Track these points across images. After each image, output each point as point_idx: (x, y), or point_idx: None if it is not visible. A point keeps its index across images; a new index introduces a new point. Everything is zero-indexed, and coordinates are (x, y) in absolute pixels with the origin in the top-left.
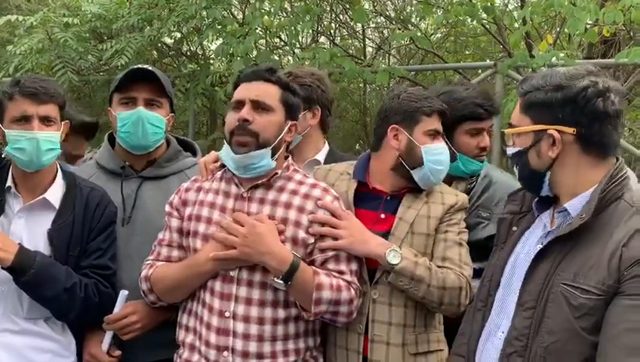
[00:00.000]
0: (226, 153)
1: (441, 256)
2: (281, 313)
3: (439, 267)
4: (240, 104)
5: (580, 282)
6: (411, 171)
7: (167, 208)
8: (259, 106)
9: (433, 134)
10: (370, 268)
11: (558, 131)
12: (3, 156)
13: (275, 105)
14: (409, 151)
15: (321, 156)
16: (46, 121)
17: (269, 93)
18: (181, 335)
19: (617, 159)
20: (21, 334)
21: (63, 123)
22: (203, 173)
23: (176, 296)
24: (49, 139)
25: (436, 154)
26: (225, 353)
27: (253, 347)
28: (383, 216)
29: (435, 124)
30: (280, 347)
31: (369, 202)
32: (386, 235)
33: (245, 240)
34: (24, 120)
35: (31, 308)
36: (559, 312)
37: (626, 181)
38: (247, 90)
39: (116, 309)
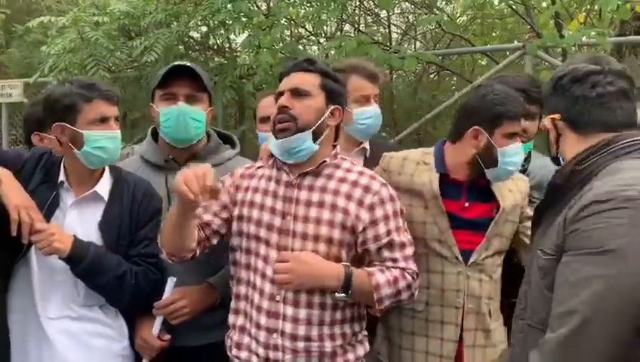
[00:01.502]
0: (272, 141)
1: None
2: (329, 299)
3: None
4: (280, 95)
5: (544, 245)
6: (485, 170)
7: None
8: (297, 93)
9: (511, 135)
10: (461, 249)
11: (553, 119)
12: (53, 153)
13: (314, 91)
14: (486, 152)
15: (367, 144)
16: (116, 120)
17: (308, 80)
18: (232, 318)
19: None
20: (79, 320)
21: None
22: (264, 157)
23: (171, 241)
24: (119, 138)
25: (511, 155)
26: (274, 335)
27: (301, 330)
28: (466, 204)
29: (515, 127)
30: (327, 331)
31: (450, 191)
32: (487, 221)
33: (295, 274)
34: (102, 121)
35: (87, 295)
36: (534, 275)
37: (613, 155)
38: (287, 82)
39: (165, 295)
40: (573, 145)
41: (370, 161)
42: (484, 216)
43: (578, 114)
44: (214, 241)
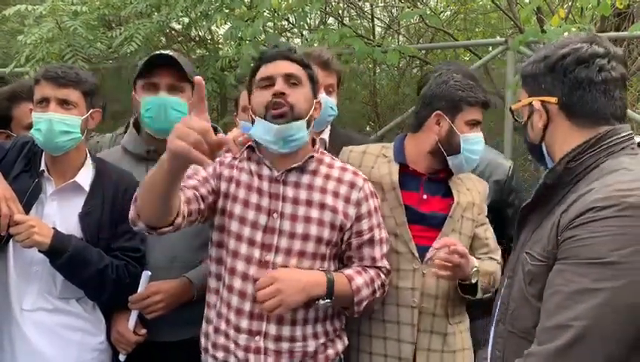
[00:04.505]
0: (261, 128)
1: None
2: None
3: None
4: (270, 81)
5: (533, 249)
6: (447, 157)
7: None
8: (290, 80)
9: (473, 124)
10: (418, 245)
11: (543, 102)
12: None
13: (304, 81)
14: (448, 138)
15: (326, 135)
16: (64, 104)
17: (297, 69)
18: (206, 312)
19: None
20: (55, 313)
21: (93, 109)
22: (234, 149)
23: (154, 209)
24: (64, 121)
25: (473, 143)
26: (257, 337)
27: (286, 331)
28: (425, 197)
29: (476, 114)
30: (310, 330)
31: (408, 183)
32: (442, 218)
33: (281, 294)
34: (45, 102)
35: (64, 287)
36: (519, 279)
37: (606, 151)
38: (276, 68)
39: (140, 289)
40: (566, 135)
41: (330, 152)
42: (441, 211)
43: (579, 100)
44: (207, 217)
